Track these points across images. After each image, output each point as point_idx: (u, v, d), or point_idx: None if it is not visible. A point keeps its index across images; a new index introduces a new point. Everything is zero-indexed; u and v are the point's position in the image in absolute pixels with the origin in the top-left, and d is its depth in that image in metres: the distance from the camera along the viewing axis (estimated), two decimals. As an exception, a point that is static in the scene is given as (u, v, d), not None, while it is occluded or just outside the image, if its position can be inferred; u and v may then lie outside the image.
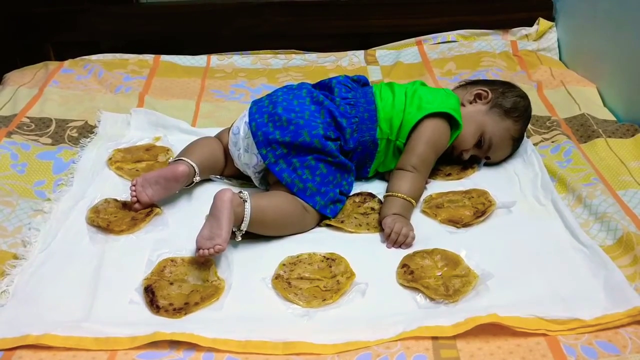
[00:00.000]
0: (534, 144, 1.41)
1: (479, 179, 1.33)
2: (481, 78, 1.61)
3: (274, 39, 1.97)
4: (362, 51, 1.94)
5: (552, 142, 1.42)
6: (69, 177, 1.32)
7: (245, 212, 1.08)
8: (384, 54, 1.93)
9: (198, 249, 1.04)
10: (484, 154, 1.34)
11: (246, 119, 1.24)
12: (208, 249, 1.03)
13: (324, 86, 1.31)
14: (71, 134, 1.48)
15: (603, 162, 1.34)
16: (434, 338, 0.91)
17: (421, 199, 1.26)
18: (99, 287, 1.02)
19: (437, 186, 1.31)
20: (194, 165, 1.23)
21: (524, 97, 1.35)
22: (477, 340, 0.91)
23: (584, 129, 1.46)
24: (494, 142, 1.31)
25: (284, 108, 1.21)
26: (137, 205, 1.19)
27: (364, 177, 1.32)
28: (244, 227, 1.08)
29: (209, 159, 1.27)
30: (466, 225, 1.17)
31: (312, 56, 1.93)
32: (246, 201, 1.09)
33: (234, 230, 1.08)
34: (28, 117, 1.53)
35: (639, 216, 1.15)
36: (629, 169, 1.30)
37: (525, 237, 1.13)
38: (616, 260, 1.05)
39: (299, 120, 1.19)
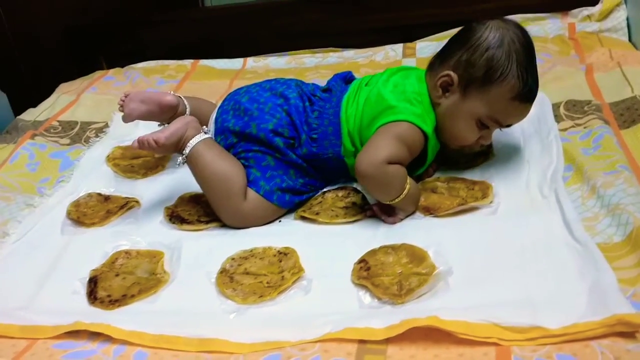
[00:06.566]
0: (564, 130, 1.21)
1: (487, 166, 1.16)
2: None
3: (312, 38, 1.90)
4: (401, 44, 1.82)
5: (585, 127, 1.20)
6: (70, 174, 1.34)
7: (194, 139, 1.07)
8: (424, 45, 1.79)
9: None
10: (502, 127, 1.10)
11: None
12: (145, 139, 1.05)
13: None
14: (89, 134, 1.52)
15: (642, 149, 1.12)
16: (362, 342, 0.79)
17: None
18: (50, 277, 1.01)
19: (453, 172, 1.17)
20: (186, 104, 1.24)
21: (498, 43, 1.02)
22: (413, 347, 0.77)
23: (629, 113, 1.23)
24: (498, 117, 1.06)
25: (249, 98, 1.15)
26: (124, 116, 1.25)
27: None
28: (186, 151, 1.07)
29: (200, 109, 1.26)
30: (436, 216, 1.03)
31: (350, 53, 1.85)
32: (205, 133, 1.10)
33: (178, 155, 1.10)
34: (58, 121, 1.59)
35: (662, 208, 0.93)
36: (673, 157, 1.07)
37: (513, 232, 0.96)
38: (620, 260, 0.85)
39: (254, 112, 1.12)
